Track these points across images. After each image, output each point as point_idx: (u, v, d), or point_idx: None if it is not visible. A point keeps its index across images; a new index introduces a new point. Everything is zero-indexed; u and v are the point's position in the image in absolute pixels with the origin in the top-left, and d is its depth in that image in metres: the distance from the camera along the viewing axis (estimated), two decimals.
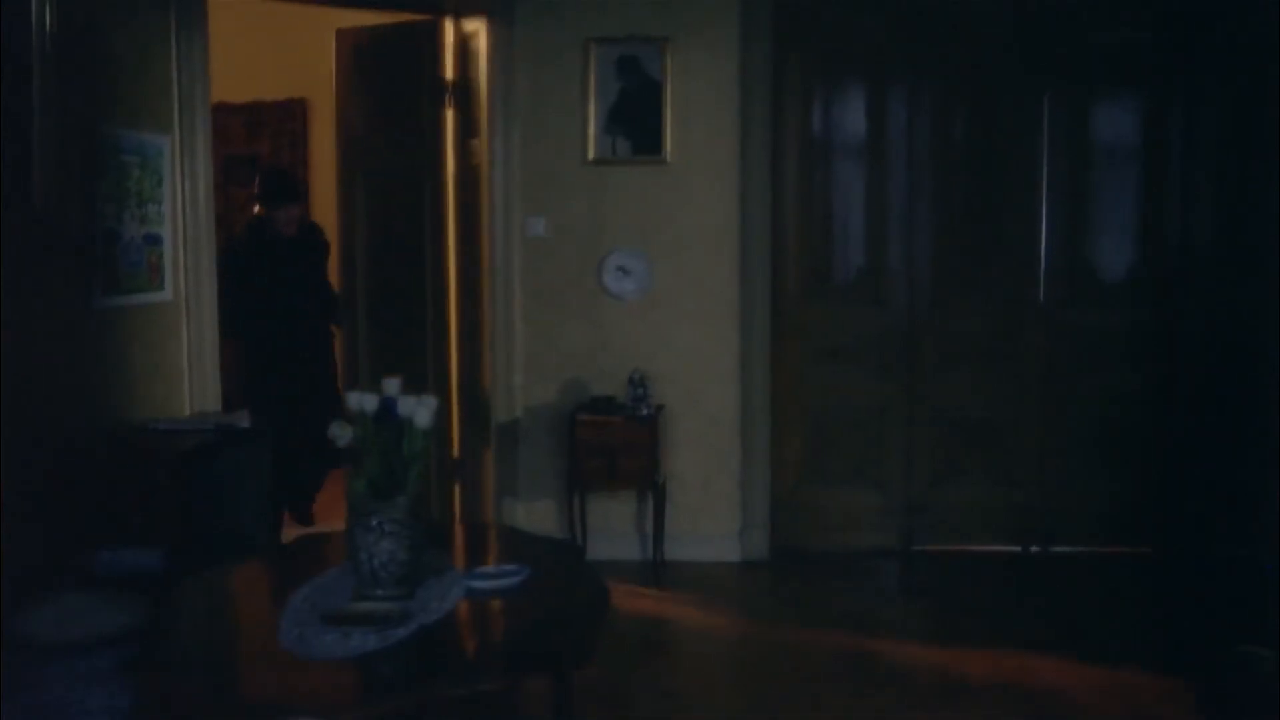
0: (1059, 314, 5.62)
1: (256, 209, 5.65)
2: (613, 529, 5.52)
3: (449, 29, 5.51)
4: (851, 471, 5.71)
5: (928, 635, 4.58)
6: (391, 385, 2.91)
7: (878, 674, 4.20)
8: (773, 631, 4.64)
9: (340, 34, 5.86)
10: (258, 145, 7.95)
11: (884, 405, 5.68)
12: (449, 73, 5.54)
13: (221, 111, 5.96)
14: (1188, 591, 5.11)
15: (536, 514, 5.55)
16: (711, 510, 5.52)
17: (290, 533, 5.31)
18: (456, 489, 5.73)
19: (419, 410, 2.87)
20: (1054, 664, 4.25)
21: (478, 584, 2.99)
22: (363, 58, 5.79)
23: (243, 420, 4.40)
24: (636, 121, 5.39)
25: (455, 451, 5.73)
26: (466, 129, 5.51)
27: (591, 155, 5.40)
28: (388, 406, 2.89)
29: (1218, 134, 5.54)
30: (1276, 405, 5.06)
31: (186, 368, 4.61)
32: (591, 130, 5.41)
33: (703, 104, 5.40)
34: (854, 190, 5.67)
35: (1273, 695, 3.84)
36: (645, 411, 5.21)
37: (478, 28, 5.41)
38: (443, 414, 5.53)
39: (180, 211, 4.58)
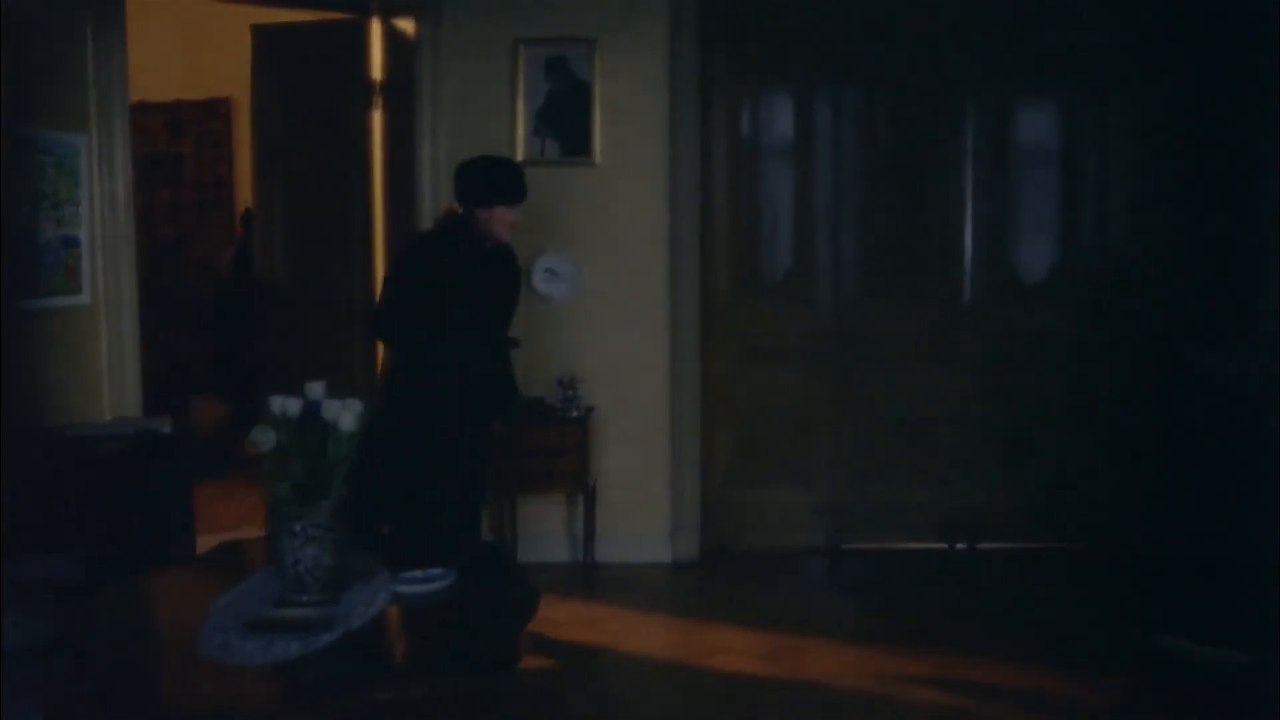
0: (983, 314, 5.71)
1: (455, 206, 4.31)
2: (543, 531, 5.51)
3: (376, 28, 5.47)
4: (780, 471, 5.75)
5: (856, 634, 4.62)
6: (315, 389, 2.88)
7: (807, 673, 4.23)
8: (703, 631, 4.65)
9: (257, 30, 5.75)
10: (180, 145, 7.83)
11: (812, 405, 5.73)
12: (377, 73, 5.49)
13: (142, 111, 5.85)
14: (1108, 586, 5.21)
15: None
16: (642, 511, 5.53)
17: (212, 539, 5.21)
18: None
19: (343, 413, 2.84)
20: (980, 661, 4.32)
21: (404, 588, 2.96)
22: (284, 55, 5.70)
23: (165, 426, 4.32)
24: (565, 122, 5.39)
25: None
26: (395, 130, 5.46)
27: (520, 156, 5.38)
28: (311, 410, 2.85)
29: (1132, 139, 5.66)
30: (1194, 406, 5.20)
31: (105, 372, 4.51)
32: (520, 131, 5.39)
33: (632, 105, 5.41)
34: (782, 192, 5.71)
35: (1189, 688, 3.94)
36: (575, 413, 5.20)
37: (406, 27, 5.36)
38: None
39: (98, 213, 4.48)
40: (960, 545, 5.72)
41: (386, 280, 4.28)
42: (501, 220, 4.17)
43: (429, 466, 4.10)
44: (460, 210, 4.22)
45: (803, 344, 5.71)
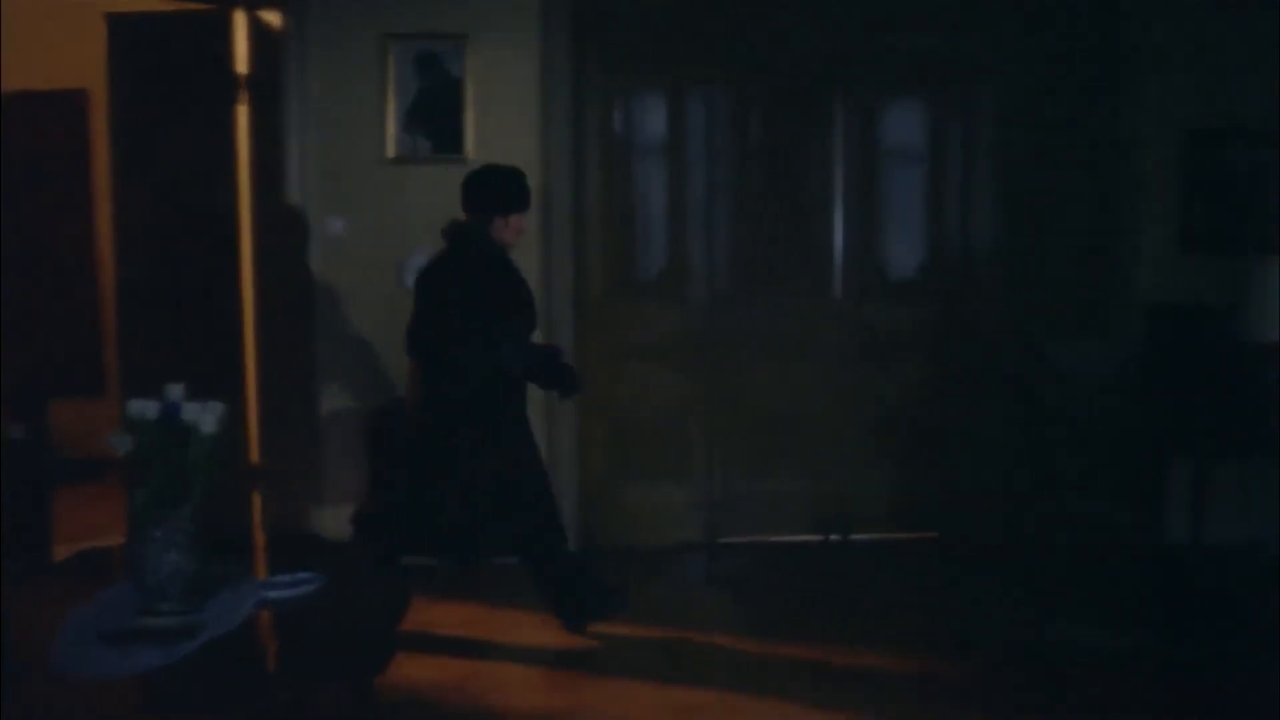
0: (854, 310, 5.82)
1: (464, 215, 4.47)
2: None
3: (241, 20, 5.33)
4: (657, 468, 5.78)
5: (735, 627, 4.67)
6: (174, 390, 2.80)
7: (687, 668, 4.26)
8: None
9: (113, 19, 5.56)
10: (38, 138, 7.51)
11: (688, 401, 5.77)
12: (242, 67, 5.36)
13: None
14: (975, 574, 5.36)
15: (344, 520, 5.41)
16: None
17: (74, 547, 5.03)
18: (256, 497, 5.55)
19: (204, 416, 2.77)
20: (855, 650, 4.41)
21: (272, 594, 2.90)
22: (143, 47, 5.52)
23: (18, 432, 4.15)
24: (437, 119, 5.33)
25: (254, 457, 5.55)
26: (261, 125, 5.34)
27: (391, 154, 5.31)
28: (171, 413, 2.77)
29: (994, 137, 5.84)
30: (1054, 399, 5.38)
31: None
32: (391, 128, 5.32)
33: (504, 102, 5.37)
34: (655, 190, 5.75)
35: (1074, 678, 4.08)
36: None
37: (272, 20, 5.24)
38: (240, 419, 5.38)
39: None
40: (834, 537, 5.83)
41: (416, 300, 4.46)
42: (515, 227, 4.43)
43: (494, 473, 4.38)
44: (469, 219, 4.41)
45: (677, 341, 5.76)
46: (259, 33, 5.32)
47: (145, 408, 2.77)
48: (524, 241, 5.36)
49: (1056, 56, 5.73)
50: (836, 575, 5.44)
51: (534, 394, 5.39)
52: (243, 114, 5.37)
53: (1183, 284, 5.54)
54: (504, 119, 5.37)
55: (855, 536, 5.83)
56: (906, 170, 5.90)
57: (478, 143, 5.35)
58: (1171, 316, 5.45)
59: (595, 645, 4.45)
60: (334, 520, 5.39)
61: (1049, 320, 5.76)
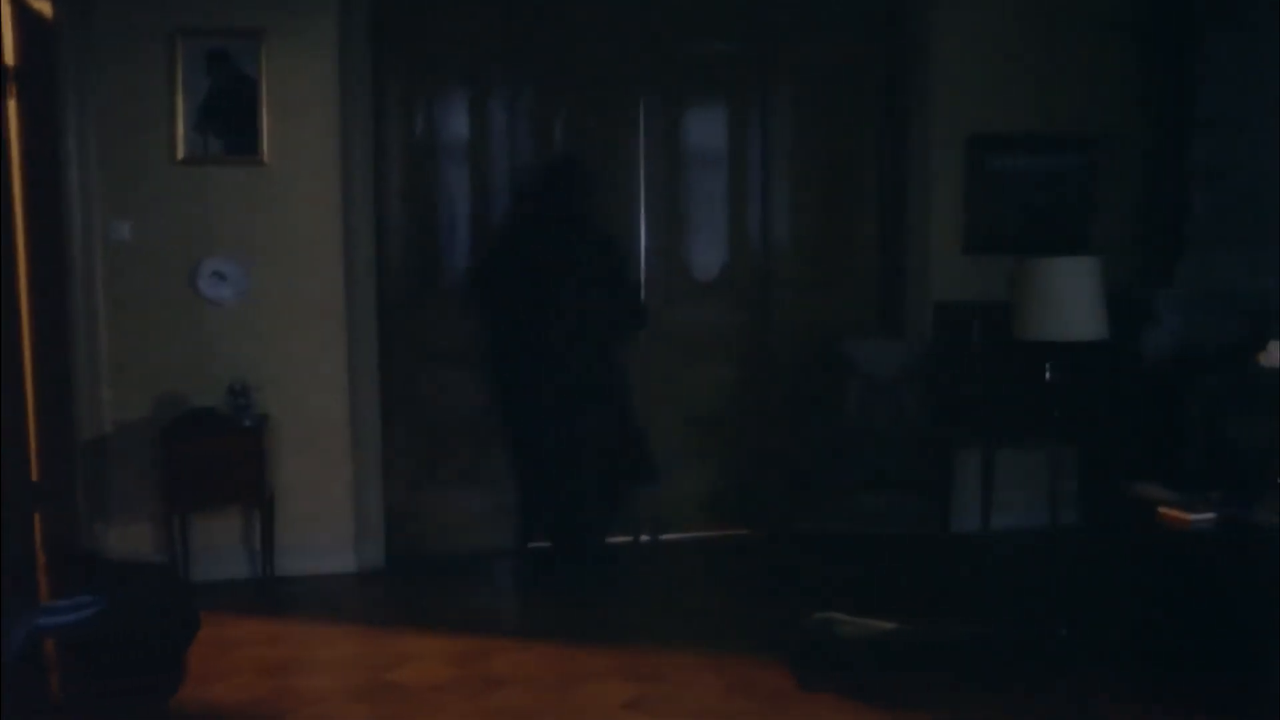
0: (659, 311, 5.89)
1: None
2: (219, 547, 5.25)
3: (7, 8, 5.00)
4: (465, 473, 5.72)
5: (545, 631, 4.66)
6: None
7: (497, 673, 4.24)
8: (391, 640, 4.56)
9: None
10: None
11: (491, 407, 5.72)
12: (9, 58, 5.03)
13: None
14: (776, 568, 5.51)
15: (132, 537, 5.17)
16: (324, 521, 5.37)
17: None
18: (36, 516, 5.23)
19: None
20: (666, 649, 4.46)
21: (48, 619, 2.74)
22: None
23: None
24: (230, 120, 5.15)
25: (34, 474, 5.22)
26: (34, 122, 5.03)
27: (181, 154, 5.10)
28: None
29: (791, 143, 6.01)
30: (853, 397, 5.57)
31: None
32: (180, 128, 5.10)
33: (302, 103, 5.23)
34: (459, 193, 5.69)
35: (845, 654, 4.22)
36: (248, 422, 4.98)
37: (44, 8, 4.95)
38: (18, 434, 5.05)
39: None
40: (645, 537, 5.89)
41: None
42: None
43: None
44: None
45: (480, 345, 5.70)
46: (29, 22, 5.01)
47: None
48: (324, 245, 5.28)
49: (848, 63, 5.95)
50: (647, 575, 5.50)
51: (333, 403, 5.28)
52: (12, 109, 5.05)
53: (968, 283, 5.82)
54: (302, 120, 5.22)
55: (666, 536, 5.91)
56: (707, 173, 6.00)
57: (274, 144, 5.19)
58: (956, 313, 5.73)
59: (402, 657, 4.37)
60: (119, 538, 5.15)
61: (847, 319, 5.97)
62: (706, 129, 6.04)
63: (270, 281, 5.24)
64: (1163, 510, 4.16)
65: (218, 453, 4.92)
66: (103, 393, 5.13)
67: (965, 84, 5.85)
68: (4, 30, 4.98)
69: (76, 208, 5.00)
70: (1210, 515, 4.06)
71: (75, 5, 4.93)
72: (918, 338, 5.84)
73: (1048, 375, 4.44)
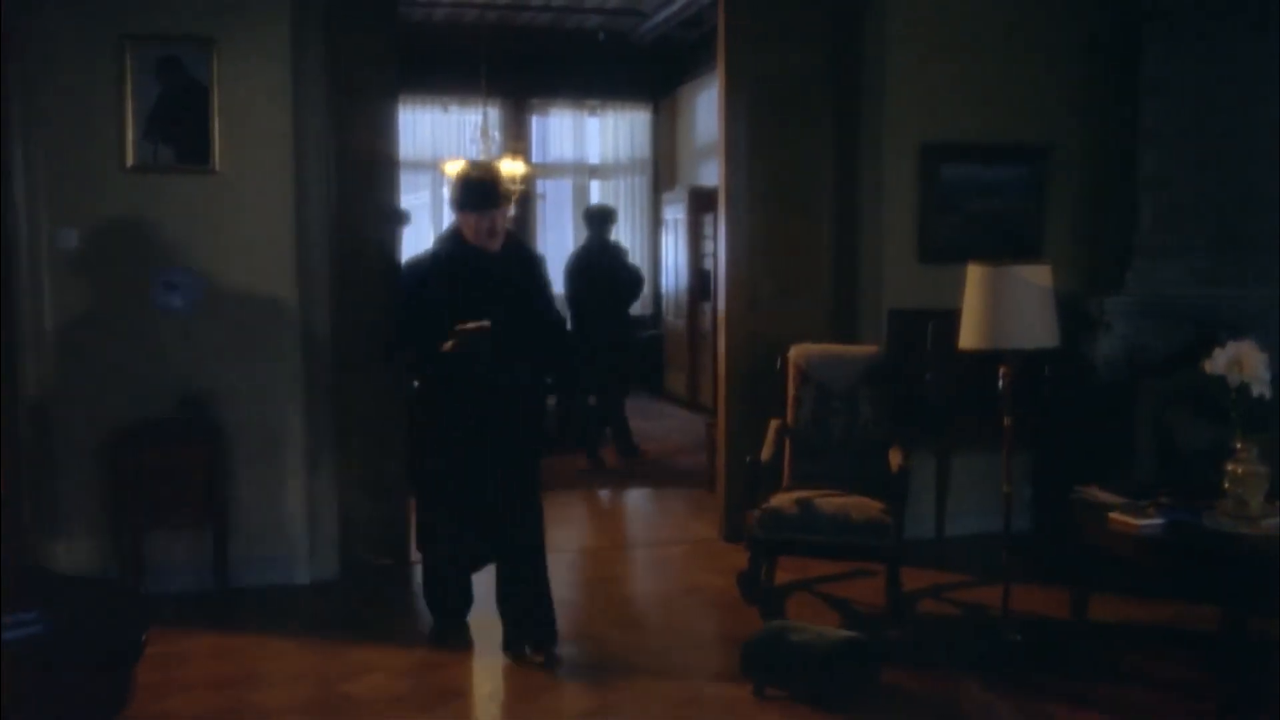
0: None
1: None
2: (172, 560, 5.16)
3: None
4: None
5: (500, 643, 4.64)
6: None
7: (452, 685, 4.22)
8: (346, 652, 4.51)
9: None
10: None
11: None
12: None
13: None
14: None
15: (81, 552, 5.09)
16: (278, 532, 5.31)
17: None
18: None
19: None
20: (619, 659, 4.45)
21: None
22: None
23: None
24: (181, 127, 5.09)
25: None
26: None
27: (130, 162, 5.04)
28: None
29: (745, 153, 6.01)
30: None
31: None
32: (130, 135, 5.04)
33: (255, 110, 5.17)
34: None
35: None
36: (200, 434, 4.93)
37: None
38: None
39: None
40: None
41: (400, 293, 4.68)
42: (469, 226, 4.40)
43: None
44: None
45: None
46: None
47: None
48: (278, 253, 5.21)
49: (801, 73, 5.97)
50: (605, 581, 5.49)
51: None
52: None
53: (922, 291, 5.85)
54: (255, 128, 5.17)
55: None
56: None
57: (226, 153, 5.13)
58: (911, 321, 5.77)
59: (356, 669, 4.33)
60: (68, 553, 5.07)
61: (802, 327, 5.98)
62: None
63: (222, 291, 5.18)
64: (1112, 516, 4.20)
65: (169, 465, 4.87)
66: (50, 404, 5.04)
67: (918, 94, 5.89)
68: None
69: (22, 215, 4.92)
70: (1158, 521, 4.11)
71: (21, 8, 4.85)
72: (876, 344, 5.86)
73: (1000, 382, 4.48)
